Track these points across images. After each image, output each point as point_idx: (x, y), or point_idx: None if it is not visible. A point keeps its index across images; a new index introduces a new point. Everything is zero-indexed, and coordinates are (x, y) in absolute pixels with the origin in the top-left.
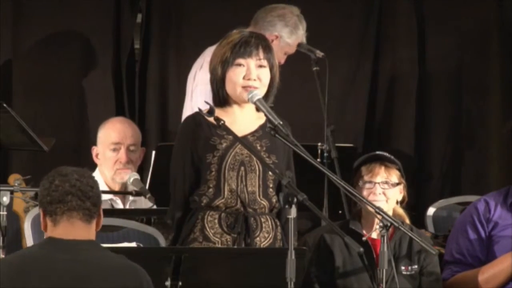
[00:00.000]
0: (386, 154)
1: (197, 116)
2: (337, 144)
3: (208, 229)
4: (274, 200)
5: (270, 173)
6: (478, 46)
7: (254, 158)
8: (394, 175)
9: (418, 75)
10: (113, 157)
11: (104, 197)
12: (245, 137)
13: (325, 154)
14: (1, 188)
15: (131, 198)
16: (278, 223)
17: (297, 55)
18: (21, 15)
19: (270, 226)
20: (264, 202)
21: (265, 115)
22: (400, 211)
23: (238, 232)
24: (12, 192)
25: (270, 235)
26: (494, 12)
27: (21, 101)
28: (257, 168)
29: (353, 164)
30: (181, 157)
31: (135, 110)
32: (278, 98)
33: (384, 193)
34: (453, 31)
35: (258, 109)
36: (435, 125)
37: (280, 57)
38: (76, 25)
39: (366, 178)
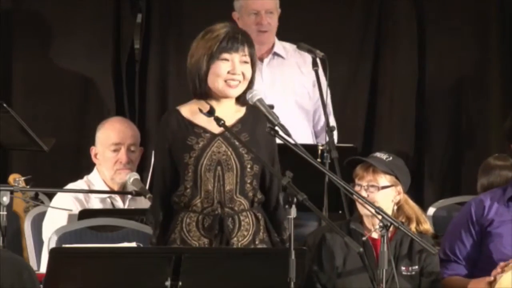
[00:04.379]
0: (380, 156)
1: (174, 114)
2: (337, 144)
3: (186, 232)
4: (251, 194)
5: (248, 169)
6: (478, 46)
7: (232, 156)
8: (383, 179)
9: (418, 75)
10: (113, 157)
11: (104, 195)
12: (223, 132)
13: (325, 154)
14: (1, 188)
15: (130, 196)
16: (260, 217)
17: None
18: (22, 15)
19: (250, 223)
20: (241, 200)
21: (265, 115)
22: (411, 212)
23: (214, 235)
24: (12, 192)
25: (249, 233)
26: (494, 12)
27: (21, 101)
28: (234, 166)
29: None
30: (160, 156)
31: (135, 110)
32: None
33: (368, 196)
34: (453, 31)
35: (242, 105)
36: (435, 125)
37: (250, 21)
38: (76, 25)
39: (356, 180)
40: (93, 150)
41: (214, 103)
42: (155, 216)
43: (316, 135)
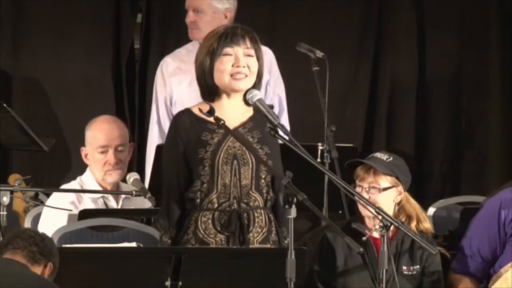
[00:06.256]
0: (380, 156)
1: (185, 113)
2: (337, 144)
3: (202, 231)
4: (265, 191)
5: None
6: (478, 46)
7: (247, 151)
8: (385, 180)
9: (418, 75)
10: (101, 159)
11: (97, 195)
12: (235, 129)
13: (325, 154)
14: (1, 188)
15: (123, 196)
16: (272, 218)
17: (297, 55)
18: (22, 15)
19: (264, 221)
20: (256, 195)
21: (265, 115)
22: (411, 209)
23: (232, 231)
24: (12, 192)
25: (264, 230)
26: (494, 11)
27: (21, 101)
28: (250, 160)
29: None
30: (173, 154)
31: (135, 110)
32: None
33: (369, 198)
34: (453, 31)
35: (249, 104)
36: (435, 125)
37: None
38: (76, 25)
39: (356, 181)
40: (83, 151)
41: (224, 102)
42: (171, 216)
43: None
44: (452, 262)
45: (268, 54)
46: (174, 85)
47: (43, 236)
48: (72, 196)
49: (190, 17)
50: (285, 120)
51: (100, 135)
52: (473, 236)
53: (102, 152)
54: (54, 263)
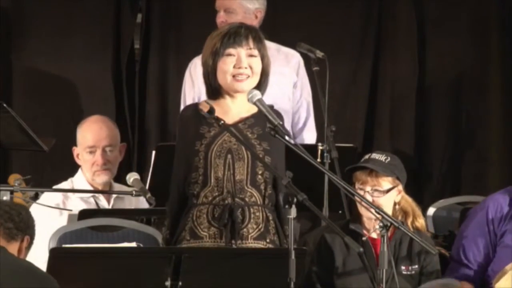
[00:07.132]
0: (378, 157)
1: (191, 106)
2: (337, 144)
3: (197, 225)
4: (262, 187)
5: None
6: (478, 46)
7: (242, 147)
8: (386, 181)
9: (418, 75)
10: (90, 159)
11: (87, 195)
12: (235, 124)
13: (325, 154)
14: (1, 188)
15: (114, 195)
16: (270, 218)
17: None
18: (22, 15)
19: (261, 218)
20: (253, 191)
21: (265, 115)
22: (407, 207)
23: (224, 224)
24: (12, 192)
25: (260, 226)
26: (494, 12)
27: (21, 101)
28: (245, 156)
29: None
30: (177, 149)
31: (135, 110)
32: None
33: (374, 201)
34: (453, 31)
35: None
36: (435, 125)
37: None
38: (76, 25)
39: (357, 185)
40: (75, 151)
41: (228, 100)
42: (170, 208)
43: (294, 136)
44: (444, 273)
45: (295, 57)
46: (202, 85)
47: (19, 210)
48: (58, 198)
49: (221, 17)
50: (311, 126)
51: (89, 135)
52: (465, 244)
53: (90, 152)
54: (31, 235)
